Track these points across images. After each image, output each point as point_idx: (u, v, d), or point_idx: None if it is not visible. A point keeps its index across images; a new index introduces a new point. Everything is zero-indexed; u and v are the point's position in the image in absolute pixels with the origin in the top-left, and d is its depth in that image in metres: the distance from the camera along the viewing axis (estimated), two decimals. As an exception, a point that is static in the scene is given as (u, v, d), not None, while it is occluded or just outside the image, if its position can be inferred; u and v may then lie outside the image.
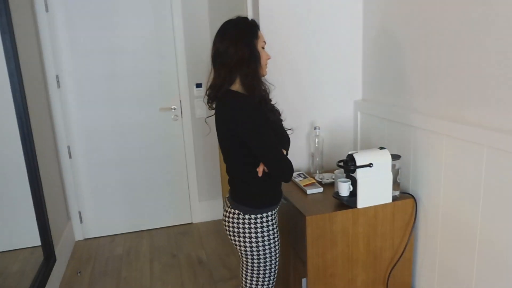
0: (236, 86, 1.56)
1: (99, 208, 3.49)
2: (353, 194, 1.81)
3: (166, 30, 3.33)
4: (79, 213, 3.44)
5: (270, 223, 1.63)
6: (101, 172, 3.43)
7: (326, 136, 2.31)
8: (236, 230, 1.63)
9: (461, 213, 1.68)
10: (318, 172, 2.21)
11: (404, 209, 1.89)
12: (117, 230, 3.56)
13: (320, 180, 2.10)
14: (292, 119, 2.23)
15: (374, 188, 1.81)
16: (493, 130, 1.47)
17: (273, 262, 1.67)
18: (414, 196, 1.92)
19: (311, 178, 2.10)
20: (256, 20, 1.63)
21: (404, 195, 1.93)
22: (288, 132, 1.75)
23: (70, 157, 3.33)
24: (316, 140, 2.19)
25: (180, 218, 3.62)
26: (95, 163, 3.40)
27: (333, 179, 2.06)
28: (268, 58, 1.61)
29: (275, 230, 1.66)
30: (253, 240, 1.61)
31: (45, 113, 3.10)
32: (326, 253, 1.81)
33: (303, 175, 2.16)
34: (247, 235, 1.61)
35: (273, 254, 1.66)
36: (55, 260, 2.76)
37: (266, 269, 1.66)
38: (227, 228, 1.67)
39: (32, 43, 2.94)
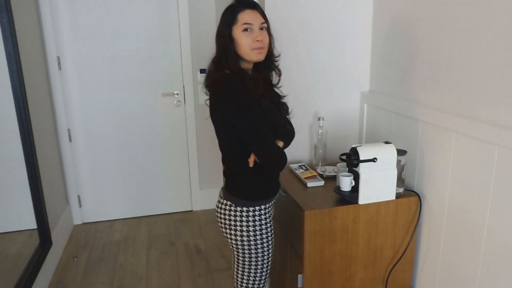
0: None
1: (99, 193, 3.45)
2: (355, 189, 1.73)
3: (171, 14, 3.24)
4: (78, 197, 3.41)
5: (263, 217, 1.57)
6: (101, 156, 3.38)
7: (331, 127, 2.23)
8: (227, 222, 1.57)
9: (467, 215, 1.59)
10: (320, 164, 2.14)
11: (408, 207, 1.81)
12: (116, 215, 3.52)
13: (322, 173, 2.02)
14: (295, 109, 2.14)
15: (377, 184, 1.73)
16: (506, 129, 1.37)
17: (265, 257, 1.61)
18: (419, 194, 1.83)
19: (313, 171, 2.02)
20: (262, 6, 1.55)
21: (408, 193, 1.85)
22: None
23: (70, 140, 3.28)
24: (320, 131, 2.11)
25: (180, 205, 3.57)
26: (96, 147, 3.35)
27: (336, 172, 1.98)
28: (260, 40, 1.45)
29: (268, 225, 1.59)
30: (244, 233, 1.55)
31: (45, 95, 3.04)
32: (324, 249, 1.74)
33: (305, 167, 2.09)
34: (238, 228, 1.55)
35: (265, 249, 1.59)
36: (51, 244, 2.73)
37: (258, 265, 1.60)
38: (219, 220, 1.61)
39: (33, 24, 2.87)
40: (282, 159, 1.48)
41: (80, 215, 3.45)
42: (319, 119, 2.11)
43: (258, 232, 1.56)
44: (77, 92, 3.23)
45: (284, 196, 1.91)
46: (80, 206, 3.43)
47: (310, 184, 1.91)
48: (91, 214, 3.48)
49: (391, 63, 2.05)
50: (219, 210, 1.61)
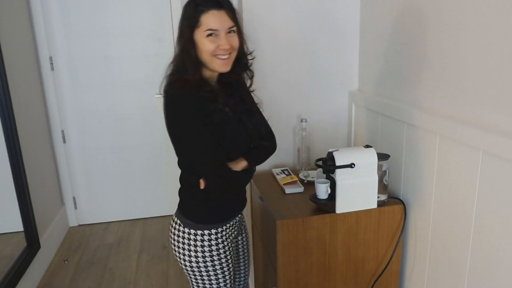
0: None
1: (94, 194, 3.41)
2: (332, 197, 1.61)
3: (164, 12, 3.16)
4: (73, 198, 3.38)
5: (213, 242, 1.38)
6: (96, 158, 3.34)
7: (317, 130, 2.10)
8: (175, 242, 1.41)
9: (453, 223, 1.45)
10: (303, 169, 2.02)
11: (392, 216, 1.68)
12: (111, 217, 3.48)
13: (304, 179, 1.90)
14: (278, 111, 2.04)
15: (356, 191, 1.60)
16: (490, 133, 1.23)
17: (220, 286, 1.43)
18: (404, 201, 1.70)
19: (294, 176, 1.91)
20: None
21: (392, 200, 1.71)
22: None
23: (64, 141, 3.25)
24: (303, 133, 1.99)
25: (175, 208, 3.49)
26: (90, 148, 3.32)
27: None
28: (225, 48, 1.26)
29: (220, 251, 1.39)
30: (193, 258, 1.38)
31: (37, 96, 3.01)
32: (299, 261, 1.63)
33: (287, 171, 1.97)
34: (186, 251, 1.38)
35: (219, 277, 1.41)
36: (39, 246, 2.69)
37: None
38: (170, 238, 1.46)
39: (24, 24, 2.84)
40: (228, 184, 1.31)
41: (76, 217, 3.43)
42: (301, 120, 1.99)
43: (208, 259, 1.38)
44: (71, 92, 3.19)
45: (261, 203, 1.80)
46: (76, 208, 3.40)
47: (288, 190, 1.79)
48: (87, 216, 3.45)
49: (378, 61, 1.91)
50: (171, 228, 1.46)
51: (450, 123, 1.40)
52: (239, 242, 1.63)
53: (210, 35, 1.25)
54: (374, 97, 1.94)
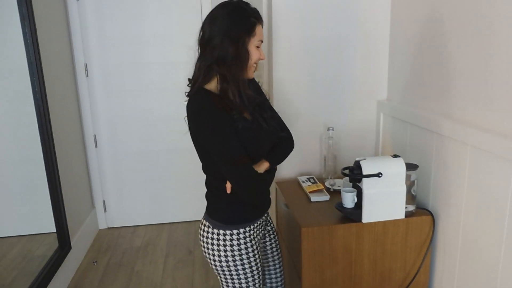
0: (213, 85, 1.34)
1: (123, 198, 3.49)
2: (359, 206, 1.60)
3: (195, 20, 3.22)
4: (103, 202, 3.46)
5: (242, 241, 1.41)
6: (126, 162, 3.42)
7: (344, 138, 2.09)
8: (205, 244, 1.45)
9: (483, 235, 1.42)
10: (329, 177, 2.01)
11: (420, 227, 1.65)
12: (139, 221, 3.55)
13: (330, 187, 1.90)
14: (304, 118, 2.04)
15: (383, 201, 1.58)
16: (522, 143, 1.20)
17: (249, 285, 1.45)
18: (433, 213, 1.67)
19: (320, 184, 1.91)
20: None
21: (421, 211, 1.69)
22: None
23: (96, 146, 3.35)
24: (329, 142, 1.98)
25: (201, 213, 3.52)
26: (121, 153, 3.40)
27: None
28: (261, 59, 1.37)
29: (249, 250, 1.43)
30: (223, 258, 1.42)
31: (73, 102, 3.12)
32: (325, 270, 1.62)
33: (313, 179, 1.97)
34: (216, 252, 1.42)
35: (245, 277, 1.44)
36: (69, 248, 2.77)
37: None
38: (200, 241, 1.50)
39: (61, 33, 2.96)
40: (254, 187, 1.35)
41: (105, 220, 3.51)
42: (328, 129, 1.99)
43: (237, 258, 1.42)
44: (103, 98, 3.29)
45: (286, 210, 1.81)
46: (105, 211, 3.49)
47: (314, 198, 1.80)
48: (116, 219, 3.53)
49: (407, 70, 1.89)
50: (199, 230, 1.51)
51: (482, 134, 1.37)
52: (267, 244, 1.64)
53: (258, 46, 1.35)
54: (403, 106, 1.92)
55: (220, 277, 1.48)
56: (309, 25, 1.98)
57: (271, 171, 1.44)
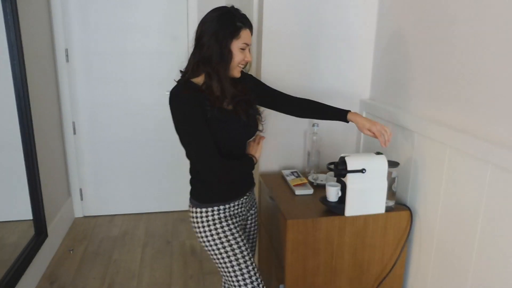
0: (199, 80, 1.48)
1: (101, 187, 3.46)
2: (342, 200, 1.66)
3: (180, 10, 3.22)
4: (80, 190, 3.42)
5: (216, 217, 1.54)
6: (104, 151, 3.39)
7: (328, 135, 2.15)
8: (192, 224, 1.59)
9: (458, 232, 1.51)
10: (312, 172, 2.07)
11: (398, 222, 1.73)
12: (116, 210, 3.53)
13: (313, 181, 1.95)
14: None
15: (365, 196, 1.65)
16: (499, 147, 1.28)
17: (233, 263, 1.50)
18: (411, 208, 1.75)
19: (304, 178, 1.96)
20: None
21: (399, 207, 1.77)
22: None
23: (74, 133, 3.30)
24: (314, 138, 2.04)
25: (180, 204, 3.54)
26: (100, 141, 3.36)
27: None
28: (247, 61, 1.51)
29: (224, 226, 1.54)
30: (204, 234, 1.54)
31: (51, 87, 3.06)
32: (307, 261, 1.68)
33: (297, 173, 2.02)
34: (199, 229, 1.56)
35: (235, 248, 1.51)
36: (46, 236, 2.74)
37: (229, 270, 1.52)
38: (190, 223, 1.63)
39: (42, 15, 2.89)
40: (219, 165, 1.45)
41: (82, 208, 3.47)
42: (313, 125, 2.04)
43: (216, 237, 1.52)
44: (84, 85, 3.24)
45: (270, 202, 1.85)
46: (82, 199, 3.45)
47: (298, 192, 1.85)
48: (92, 208, 3.50)
49: (391, 71, 1.96)
50: (189, 213, 1.63)
51: (461, 136, 1.45)
52: (247, 227, 1.74)
53: (243, 48, 1.46)
54: (385, 106, 2.00)
55: (211, 255, 1.56)
56: (295, 21, 2.02)
57: (245, 167, 1.57)
